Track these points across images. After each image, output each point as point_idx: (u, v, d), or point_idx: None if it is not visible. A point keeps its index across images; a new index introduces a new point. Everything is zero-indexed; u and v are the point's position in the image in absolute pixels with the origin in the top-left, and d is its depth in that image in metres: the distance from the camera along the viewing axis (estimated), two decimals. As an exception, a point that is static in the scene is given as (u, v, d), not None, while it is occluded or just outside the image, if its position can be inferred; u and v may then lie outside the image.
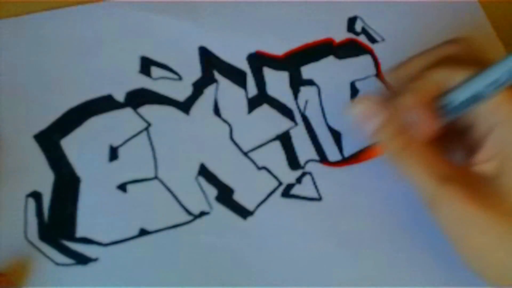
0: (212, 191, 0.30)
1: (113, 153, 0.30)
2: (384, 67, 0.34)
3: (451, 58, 0.26)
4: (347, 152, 0.32)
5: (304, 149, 0.32)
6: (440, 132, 0.26)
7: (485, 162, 0.24)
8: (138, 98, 0.32)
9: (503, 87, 0.23)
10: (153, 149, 0.31)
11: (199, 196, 0.30)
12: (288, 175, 0.31)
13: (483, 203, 0.22)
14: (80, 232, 0.28)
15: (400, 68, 0.29)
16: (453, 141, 0.27)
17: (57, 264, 0.28)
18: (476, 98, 0.24)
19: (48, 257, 0.28)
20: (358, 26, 0.36)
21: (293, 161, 0.31)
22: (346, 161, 0.32)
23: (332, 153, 0.32)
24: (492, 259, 0.23)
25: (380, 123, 0.25)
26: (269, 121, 0.32)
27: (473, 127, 0.25)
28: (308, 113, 0.33)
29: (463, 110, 0.25)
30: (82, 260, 0.28)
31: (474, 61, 0.25)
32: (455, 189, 0.23)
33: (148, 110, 0.32)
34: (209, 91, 0.33)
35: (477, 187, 0.23)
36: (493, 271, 0.23)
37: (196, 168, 0.31)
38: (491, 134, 0.24)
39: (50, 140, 0.30)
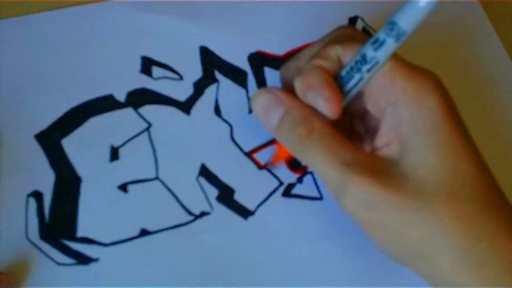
0: (213, 191, 0.30)
1: (114, 153, 0.30)
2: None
3: (341, 38, 0.25)
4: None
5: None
6: (346, 117, 0.26)
7: (385, 146, 0.24)
8: (139, 98, 0.32)
9: (387, 49, 0.22)
10: (154, 149, 0.31)
11: (200, 196, 0.30)
12: (289, 175, 0.31)
13: (388, 185, 0.22)
14: (81, 232, 0.28)
15: (292, 60, 0.27)
16: (359, 126, 0.27)
17: (58, 263, 0.28)
18: (364, 66, 0.23)
19: (48, 256, 0.28)
20: (358, 26, 0.36)
21: (294, 161, 0.31)
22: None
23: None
24: (397, 238, 0.23)
25: (281, 114, 0.24)
26: (270, 121, 0.32)
27: (371, 109, 0.24)
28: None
29: (358, 83, 0.24)
30: (83, 260, 0.28)
31: (364, 38, 0.24)
32: (361, 173, 0.22)
33: (149, 110, 0.32)
34: (210, 91, 0.33)
35: (382, 170, 0.23)
36: (399, 249, 0.23)
37: (197, 168, 0.31)
38: (385, 118, 0.23)
39: (51, 140, 0.30)
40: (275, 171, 0.31)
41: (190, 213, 0.29)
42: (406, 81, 0.23)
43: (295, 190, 0.31)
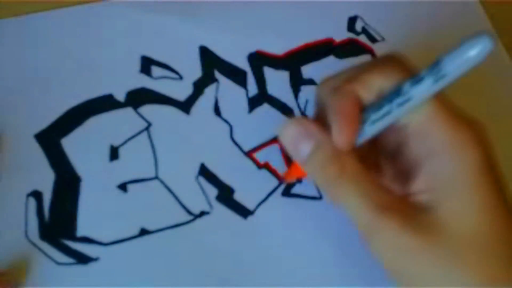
0: (212, 191, 0.30)
1: (114, 153, 0.30)
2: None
3: (387, 66, 0.23)
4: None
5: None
6: (376, 155, 0.25)
7: (420, 193, 0.23)
8: (138, 98, 0.32)
9: (423, 87, 0.21)
10: (153, 149, 0.31)
11: (200, 196, 0.30)
12: (289, 175, 0.31)
13: (419, 233, 0.21)
14: (80, 231, 0.28)
15: (330, 77, 0.26)
16: (390, 166, 0.26)
17: (58, 263, 0.28)
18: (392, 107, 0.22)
19: (48, 256, 0.28)
20: (358, 26, 0.36)
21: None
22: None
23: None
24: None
25: (311, 149, 0.23)
26: (269, 121, 0.32)
27: (407, 152, 0.23)
28: (308, 112, 0.33)
29: (385, 115, 0.22)
30: (82, 259, 0.28)
31: (410, 69, 0.22)
32: (392, 218, 0.21)
33: (148, 110, 0.32)
34: (209, 91, 0.33)
35: (414, 216, 0.22)
36: None
37: (196, 168, 0.31)
38: (423, 166, 0.22)
39: (50, 140, 0.30)
40: (274, 170, 0.31)
41: (189, 212, 0.29)
42: (448, 131, 0.22)
43: (294, 190, 0.31)
